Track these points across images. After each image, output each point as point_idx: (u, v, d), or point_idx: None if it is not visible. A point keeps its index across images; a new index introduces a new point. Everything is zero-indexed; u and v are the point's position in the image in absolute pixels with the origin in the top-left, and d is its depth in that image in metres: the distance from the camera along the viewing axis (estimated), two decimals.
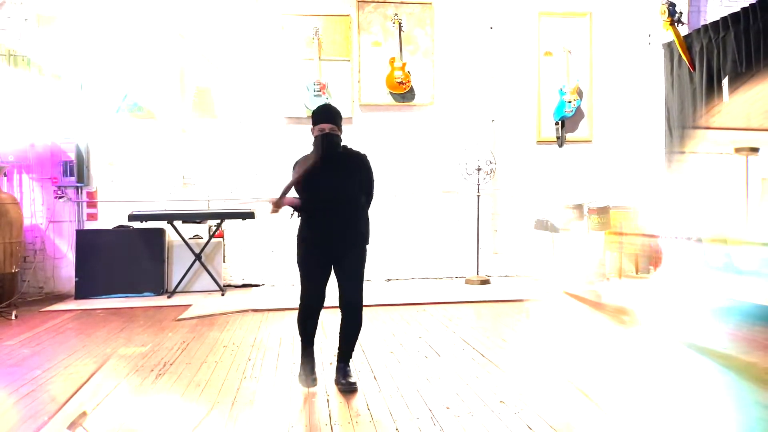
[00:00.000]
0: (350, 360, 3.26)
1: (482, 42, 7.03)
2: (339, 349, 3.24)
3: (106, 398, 3.05)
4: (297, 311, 3.25)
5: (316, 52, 6.61)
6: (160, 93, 6.47)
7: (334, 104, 6.70)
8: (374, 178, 3.32)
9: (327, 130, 3.12)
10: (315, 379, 3.19)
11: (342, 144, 3.22)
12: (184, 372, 3.52)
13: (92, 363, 3.71)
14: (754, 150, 5.12)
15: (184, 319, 5.05)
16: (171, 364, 3.68)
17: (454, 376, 3.36)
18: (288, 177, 3.21)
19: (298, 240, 3.22)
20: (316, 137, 3.16)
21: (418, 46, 6.87)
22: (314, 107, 6.41)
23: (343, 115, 6.71)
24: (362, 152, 3.30)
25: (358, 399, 3.02)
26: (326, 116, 3.16)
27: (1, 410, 2.91)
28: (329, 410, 2.87)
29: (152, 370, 3.55)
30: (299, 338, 3.26)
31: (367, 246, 3.26)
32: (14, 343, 4.28)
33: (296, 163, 3.27)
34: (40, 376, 3.44)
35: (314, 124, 3.18)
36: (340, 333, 3.23)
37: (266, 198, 3.20)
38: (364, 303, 3.20)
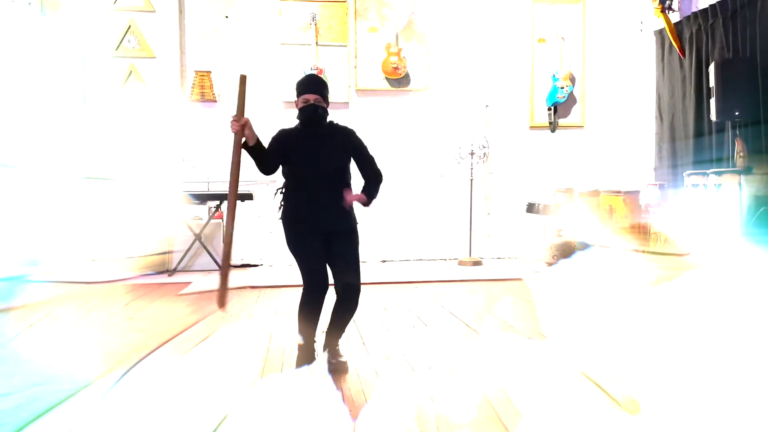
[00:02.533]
0: (339, 341, 3.13)
1: (477, 29, 7.17)
2: (329, 331, 3.09)
3: (111, 362, 3.23)
4: (299, 308, 3.00)
5: (313, 38, 6.76)
6: (161, 76, 6.63)
7: (329, 86, 6.87)
8: (370, 153, 3.12)
9: (312, 101, 2.98)
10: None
11: (329, 120, 3.09)
12: (182, 338, 3.71)
13: (94, 330, 3.90)
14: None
15: (184, 294, 5.24)
16: (170, 333, 3.86)
17: (438, 342, 3.54)
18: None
19: (284, 222, 3.05)
20: (300, 109, 3.04)
21: (414, 32, 7.01)
22: None
23: (340, 99, 6.91)
24: (349, 127, 3.14)
25: (347, 360, 3.19)
26: (311, 87, 3.02)
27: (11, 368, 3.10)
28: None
29: (152, 337, 3.73)
30: (300, 336, 3.03)
31: (358, 227, 3.10)
32: (21, 312, 4.46)
33: (277, 134, 3.11)
34: (46, 341, 3.63)
35: (298, 95, 3.05)
36: (334, 316, 3.06)
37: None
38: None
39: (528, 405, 2.52)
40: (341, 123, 3.21)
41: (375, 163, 3.14)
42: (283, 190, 3.12)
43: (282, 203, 3.11)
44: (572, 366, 3.09)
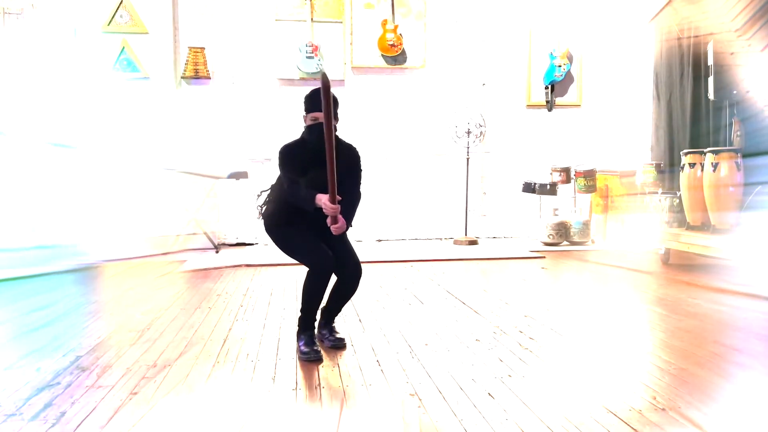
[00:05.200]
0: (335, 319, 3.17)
1: (474, 5, 7.09)
2: (327, 311, 3.11)
3: (105, 340, 3.23)
4: (307, 290, 2.92)
5: (308, 14, 6.67)
6: (154, 52, 6.53)
7: (325, 63, 6.77)
8: (361, 173, 3.04)
9: (321, 121, 2.73)
10: (319, 351, 2.89)
11: (335, 134, 2.86)
12: (179, 315, 3.70)
13: (90, 308, 3.89)
14: None
15: (179, 272, 5.22)
16: (167, 309, 3.85)
17: (435, 320, 3.55)
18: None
19: (278, 227, 2.98)
20: (308, 127, 2.91)
21: (411, 9, 6.93)
22: (307, 69, 6.61)
23: (335, 77, 6.84)
24: (353, 145, 3.05)
25: (344, 337, 3.19)
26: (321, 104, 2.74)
27: (6, 342, 3.08)
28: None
29: (148, 314, 3.73)
30: (306, 316, 2.96)
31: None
32: None
33: (285, 154, 2.94)
34: (42, 316, 3.61)
35: (308, 111, 2.91)
36: (335, 296, 3.07)
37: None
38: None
39: (523, 381, 2.53)
40: (346, 140, 3.07)
41: (360, 184, 3.04)
42: (270, 198, 3.05)
43: (273, 210, 3.00)
44: (567, 344, 3.11)
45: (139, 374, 2.65)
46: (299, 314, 3.00)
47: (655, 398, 2.31)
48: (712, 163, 4.97)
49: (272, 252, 6.16)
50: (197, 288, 4.55)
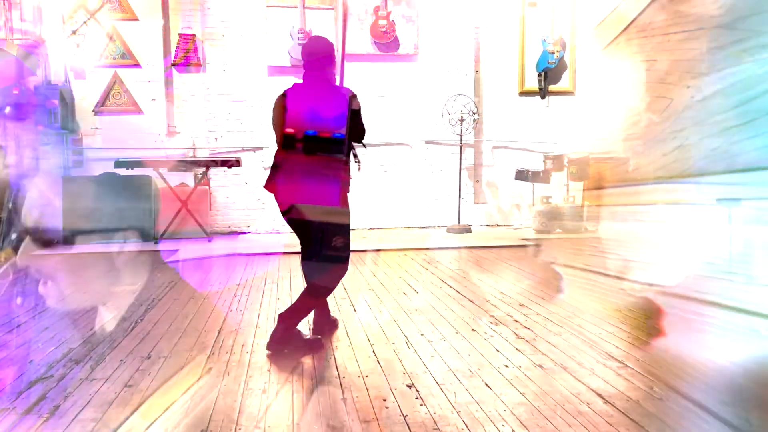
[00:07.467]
0: None
1: None
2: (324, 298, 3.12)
3: (98, 332, 3.20)
4: (326, 288, 2.97)
5: (299, 0, 6.58)
6: (144, 39, 6.44)
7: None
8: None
9: None
10: (319, 339, 2.96)
11: None
12: (172, 306, 3.68)
13: (83, 298, 3.85)
14: None
15: (171, 261, 5.18)
16: (159, 300, 3.82)
17: (430, 309, 3.54)
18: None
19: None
20: None
21: None
22: (298, 56, 6.52)
23: None
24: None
25: (338, 328, 3.18)
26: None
27: None
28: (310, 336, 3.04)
29: (142, 305, 3.70)
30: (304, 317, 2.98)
31: None
32: (3, 281, 4.40)
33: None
34: (34, 309, 3.58)
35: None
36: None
37: None
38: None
39: (519, 371, 2.53)
40: None
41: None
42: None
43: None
44: (563, 333, 3.11)
45: (133, 366, 2.63)
46: (298, 314, 2.88)
47: (652, 388, 2.32)
48: None
49: (266, 242, 6.15)
50: (190, 278, 4.51)
